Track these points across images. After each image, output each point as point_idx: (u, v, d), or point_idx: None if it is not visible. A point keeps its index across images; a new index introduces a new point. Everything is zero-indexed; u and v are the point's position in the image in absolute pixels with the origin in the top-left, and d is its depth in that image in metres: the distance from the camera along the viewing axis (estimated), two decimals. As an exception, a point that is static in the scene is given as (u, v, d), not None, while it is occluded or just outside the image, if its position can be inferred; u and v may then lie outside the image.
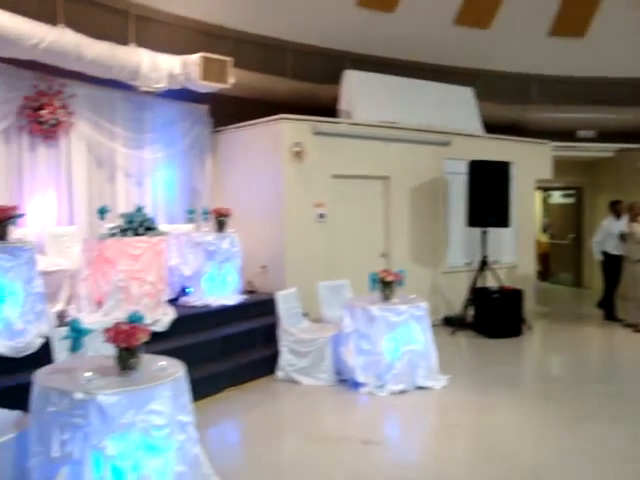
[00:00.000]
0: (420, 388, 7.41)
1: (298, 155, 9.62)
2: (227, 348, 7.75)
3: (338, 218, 10.12)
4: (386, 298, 7.65)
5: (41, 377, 4.26)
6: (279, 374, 7.84)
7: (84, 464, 3.92)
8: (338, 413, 6.91)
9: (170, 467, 4.23)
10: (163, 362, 4.42)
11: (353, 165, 10.28)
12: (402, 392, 7.28)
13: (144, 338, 4.17)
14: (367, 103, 10.93)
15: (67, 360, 4.81)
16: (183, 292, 8.63)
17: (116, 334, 4.08)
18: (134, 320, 4.27)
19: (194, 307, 8.25)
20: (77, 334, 4.16)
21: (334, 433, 6.16)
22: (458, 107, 12.11)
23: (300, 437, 6.10)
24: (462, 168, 11.00)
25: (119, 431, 3.94)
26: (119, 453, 3.96)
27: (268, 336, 8.18)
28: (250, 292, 9.37)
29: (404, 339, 7.40)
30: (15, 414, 4.70)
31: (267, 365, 7.92)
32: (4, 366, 5.70)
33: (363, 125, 10.51)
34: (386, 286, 7.63)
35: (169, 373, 4.30)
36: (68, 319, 6.94)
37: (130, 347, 4.14)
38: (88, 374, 4.08)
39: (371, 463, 5.45)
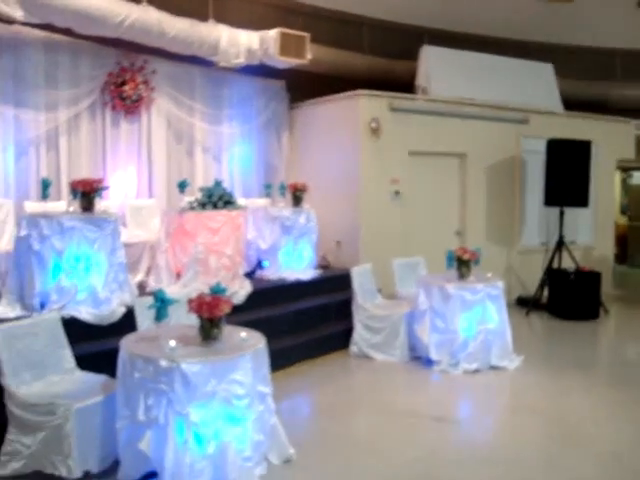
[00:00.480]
0: (494, 368, 7.34)
1: (374, 131, 9.59)
2: (301, 322, 7.84)
3: (413, 195, 10.07)
4: (462, 276, 7.58)
5: (127, 344, 4.42)
6: (352, 349, 7.89)
7: (168, 429, 4.07)
8: (411, 390, 6.92)
9: (249, 436, 4.35)
10: (244, 333, 4.52)
11: (429, 142, 10.19)
12: (475, 371, 7.23)
13: (227, 309, 4.27)
14: (444, 79, 10.77)
15: (151, 328, 4.97)
16: (259, 266, 8.75)
17: (200, 305, 4.19)
18: (216, 292, 4.37)
19: (270, 281, 8.36)
20: (162, 304, 4.29)
21: (406, 409, 6.17)
22: (537, 84, 11.79)
23: (372, 412, 6.13)
24: (540, 146, 10.77)
25: (202, 399, 4.06)
26: (201, 420, 4.08)
27: (342, 311, 8.24)
28: (324, 267, 9.42)
29: (479, 318, 7.33)
30: (102, 378, 4.91)
31: (340, 340, 7.98)
32: (89, 333, 5.92)
33: (440, 101, 10.39)
34: (462, 264, 7.55)
35: (250, 344, 4.39)
36: (149, 289, 7.17)
37: (213, 318, 4.25)
38: (172, 343, 4.20)
39: (442, 440, 5.45)
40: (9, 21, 7.41)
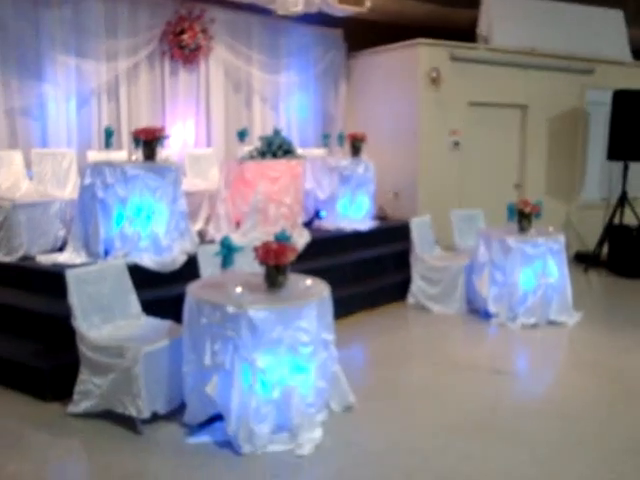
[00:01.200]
0: (552, 323, 7.26)
1: (434, 81, 9.42)
2: (359, 272, 7.85)
3: (472, 147, 9.91)
4: (523, 230, 7.47)
5: (194, 290, 4.49)
6: (410, 300, 7.89)
7: (234, 374, 4.14)
8: (468, 342, 6.91)
9: (312, 382, 4.40)
10: (309, 281, 4.54)
11: (490, 93, 9.98)
12: (534, 326, 7.17)
13: (292, 257, 4.28)
14: (507, 27, 10.44)
15: (216, 275, 5.03)
16: (317, 216, 8.76)
17: (266, 252, 4.21)
18: (281, 239, 4.39)
19: (328, 231, 8.38)
20: (228, 251, 4.32)
21: (464, 361, 6.16)
22: (604, 32, 11.35)
23: (431, 362, 6.14)
24: (605, 98, 10.41)
25: (267, 345, 4.12)
26: (267, 366, 4.14)
27: (399, 262, 8.23)
28: (381, 218, 9.38)
29: (539, 272, 7.23)
30: (167, 323, 5.01)
31: (398, 291, 7.98)
32: (151, 280, 6.03)
33: (502, 51, 10.11)
34: (524, 217, 7.43)
35: (316, 292, 4.42)
36: (208, 238, 7.25)
37: (279, 265, 4.27)
38: (238, 289, 4.25)
39: (501, 392, 5.43)
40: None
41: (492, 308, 7.33)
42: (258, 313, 4.07)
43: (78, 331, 4.64)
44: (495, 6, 10.54)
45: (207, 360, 4.19)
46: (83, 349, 4.63)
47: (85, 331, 4.63)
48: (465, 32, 10.63)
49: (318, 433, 4.39)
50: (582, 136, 11.00)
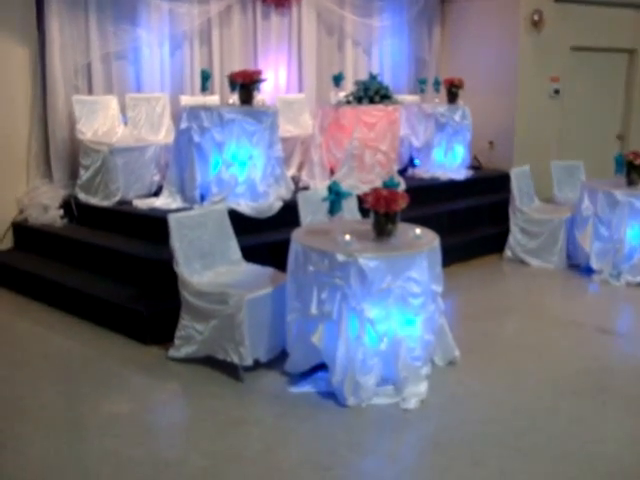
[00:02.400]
0: (659, 281, 6.89)
1: (536, 25, 8.93)
2: (455, 223, 7.60)
3: (574, 94, 9.43)
4: (631, 183, 7.06)
5: (300, 237, 4.36)
6: (507, 253, 7.61)
7: (341, 324, 4.02)
8: (569, 298, 6.64)
9: (419, 335, 4.24)
10: (417, 231, 4.36)
11: (595, 36, 9.39)
12: (639, 284, 6.80)
13: (404, 204, 4.10)
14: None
15: (321, 222, 4.90)
16: (411, 163, 8.52)
17: (376, 199, 4.03)
18: (390, 186, 4.20)
19: (422, 179, 8.14)
20: (337, 197, 4.16)
21: (567, 317, 5.89)
22: None
23: (532, 317, 5.90)
24: None
25: (377, 295, 3.97)
26: (375, 317, 4.00)
27: (495, 214, 7.95)
28: (475, 168, 9.05)
29: (648, 227, 6.85)
30: (268, 270, 4.92)
31: (494, 243, 7.71)
32: (247, 226, 5.94)
33: (609, -10, 9.48)
34: (633, 170, 7.01)
35: (426, 242, 4.23)
36: (301, 184, 7.13)
37: (389, 213, 4.09)
38: (347, 237, 4.10)
39: (608, 352, 5.19)
40: None
41: (595, 264, 6.99)
42: (368, 262, 3.92)
43: (180, 276, 4.60)
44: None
45: (313, 309, 4.08)
46: (185, 295, 4.59)
47: (188, 277, 4.58)
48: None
49: (423, 387, 4.25)
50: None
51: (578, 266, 7.25)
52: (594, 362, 4.92)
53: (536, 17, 8.88)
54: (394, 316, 4.07)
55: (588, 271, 7.05)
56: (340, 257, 3.93)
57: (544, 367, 4.81)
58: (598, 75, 9.65)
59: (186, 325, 4.63)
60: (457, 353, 4.74)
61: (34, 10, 6.91)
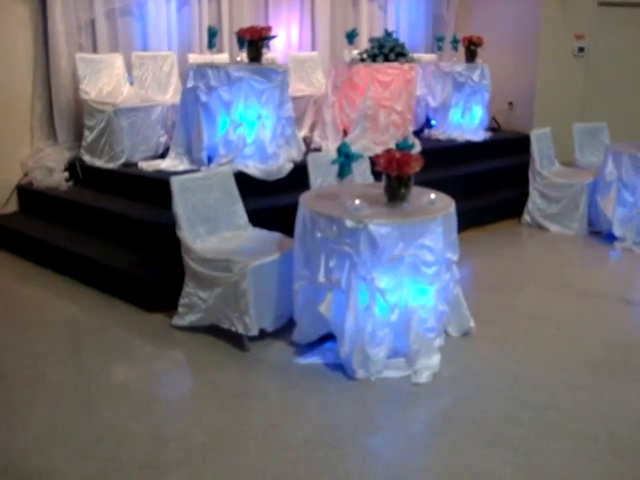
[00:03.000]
0: (686, 249, 6.63)
1: (560, -23, 8.54)
2: (472, 186, 7.34)
3: (600, 53, 9.04)
4: (659, 145, 6.76)
5: (307, 201, 4.13)
6: (525, 218, 7.34)
7: (350, 293, 3.81)
8: (590, 266, 6.38)
9: (433, 305, 4.03)
10: (432, 195, 4.12)
11: (623, -10, 8.96)
12: (664, 253, 6.56)
13: (417, 167, 3.85)
14: None
15: (331, 185, 4.67)
16: (427, 124, 8.24)
17: (388, 161, 3.79)
18: (404, 147, 3.95)
19: (439, 141, 7.88)
20: (346, 159, 3.92)
21: (588, 287, 5.64)
22: None
23: (551, 286, 5.66)
24: None
25: (388, 264, 3.75)
26: (386, 286, 3.79)
27: (514, 177, 7.69)
28: (493, 129, 8.76)
29: (677, 193, 6.56)
30: (275, 236, 4.72)
31: (512, 208, 7.45)
32: (256, 188, 5.74)
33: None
34: (661, 130, 6.70)
35: (441, 207, 4.00)
36: (313, 145, 6.89)
37: (402, 176, 3.85)
38: (357, 202, 3.87)
39: (628, 324, 4.94)
40: None
41: (617, 231, 6.73)
42: (379, 228, 3.69)
43: (183, 242, 4.40)
44: None
45: (321, 277, 3.87)
46: (188, 261, 4.40)
47: (191, 243, 4.39)
48: None
49: (436, 360, 4.05)
50: None
51: (600, 233, 7.00)
52: (616, 336, 4.69)
53: (560, -31, 8.50)
54: (406, 285, 3.85)
55: (610, 238, 6.79)
56: (349, 223, 3.70)
57: (564, 340, 4.59)
58: (628, 33, 9.19)
59: (190, 292, 4.46)
60: (472, 324, 4.53)
61: (34, -37, 6.66)
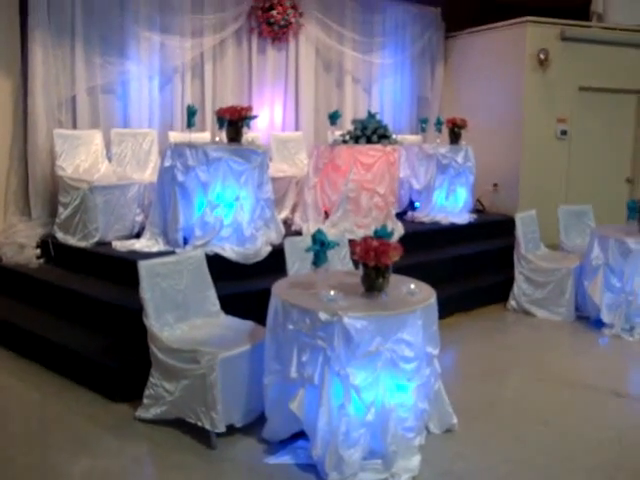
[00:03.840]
0: (675, 336, 6.44)
1: (542, 63, 8.61)
2: (457, 270, 7.19)
3: (581, 136, 9.07)
4: (644, 230, 6.65)
5: (280, 291, 3.92)
6: (511, 303, 7.16)
7: (323, 390, 3.57)
8: (579, 354, 6.14)
9: (412, 403, 3.78)
10: (412, 285, 3.92)
11: (603, 76, 9.05)
12: (654, 339, 6.37)
13: (396, 257, 3.67)
14: (625, 3, 9.47)
15: (304, 274, 4.48)
16: (411, 206, 8.13)
17: (365, 251, 3.60)
18: (382, 235, 3.78)
19: (423, 223, 7.76)
20: (322, 247, 3.74)
21: (575, 377, 5.40)
22: None
23: (538, 377, 5.41)
24: None
25: (364, 359, 3.51)
26: (362, 383, 3.54)
27: (499, 261, 7.55)
28: (478, 211, 8.67)
29: (663, 279, 6.41)
30: (247, 325, 4.49)
31: (498, 292, 7.27)
32: (232, 272, 5.55)
33: (618, 29, 9.16)
34: (646, 216, 6.61)
35: (420, 299, 3.79)
36: (294, 227, 6.75)
37: (380, 266, 3.66)
38: (331, 292, 3.67)
39: (621, 419, 4.67)
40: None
41: (605, 317, 6.55)
42: (354, 322, 3.47)
43: (150, 330, 4.17)
44: (611, -20, 9.60)
45: (293, 372, 3.63)
46: (154, 350, 4.15)
47: (157, 331, 4.15)
48: (573, 10, 9.71)
49: (416, 461, 3.77)
50: None
51: (587, 318, 6.81)
52: (609, 432, 4.43)
53: (542, 56, 8.58)
54: (383, 382, 3.61)
55: (598, 324, 6.60)
56: (323, 316, 3.49)
57: (553, 438, 4.32)
58: (607, 116, 9.28)
59: (155, 383, 4.19)
60: (455, 420, 4.27)
61: (18, 40, 6.65)
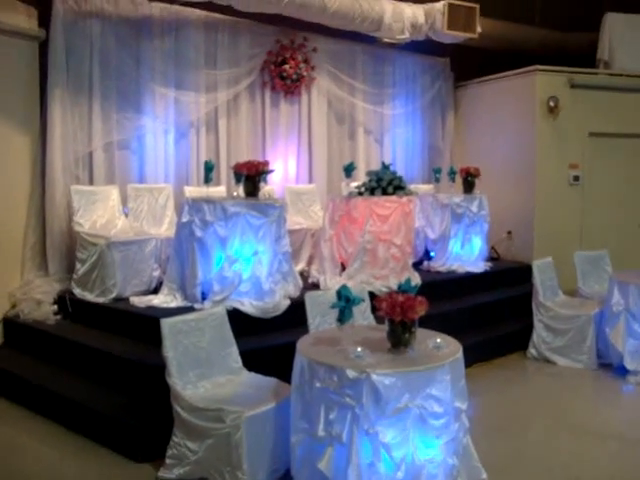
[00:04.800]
0: (701, 383, 6.34)
1: (552, 110, 8.69)
2: (475, 319, 7.13)
3: (594, 181, 9.11)
4: (664, 275, 6.61)
5: (305, 348, 3.88)
6: (531, 351, 7.09)
7: (352, 448, 3.50)
8: (602, 404, 6.03)
9: (442, 459, 3.71)
10: (438, 339, 3.88)
11: (613, 122, 9.13)
12: (679, 385, 6.27)
13: (422, 311, 3.64)
14: (631, 50, 9.56)
15: (329, 329, 4.44)
16: (426, 256, 8.12)
17: (391, 306, 3.58)
18: (406, 289, 3.76)
19: (439, 273, 7.73)
20: (347, 303, 3.72)
21: (602, 428, 5.31)
22: None
23: (563, 429, 5.30)
24: None
25: (393, 416, 3.46)
26: (391, 440, 3.48)
27: (518, 308, 7.50)
28: (493, 259, 8.64)
29: (685, 324, 6.35)
30: (271, 382, 4.44)
31: (517, 341, 7.21)
32: (252, 327, 5.52)
33: (625, 76, 9.26)
34: (666, 261, 6.58)
35: (447, 353, 3.75)
36: (311, 280, 6.75)
37: (406, 321, 3.64)
38: (358, 349, 3.63)
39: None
40: (170, 1, 7.19)
41: (629, 364, 6.46)
42: (383, 378, 3.43)
43: (173, 389, 4.13)
44: (616, 28, 9.71)
45: (321, 431, 3.57)
46: (177, 409, 4.11)
47: (181, 389, 4.11)
48: (581, 57, 9.84)
49: (448, 518, 3.69)
50: None
51: (610, 365, 6.72)
52: (639, 484, 4.34)
53: (552, 103, 8.67)
54: (413, 439, 3.55)
55: (622, 371, 6.51)
56: (351, 373, 3.45)
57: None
58: (618, 161, 9.34)
59: (178, 443, 4.14)
60: (484, 475, 4.17)
61: (37, 97, 6.79)
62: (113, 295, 6.13)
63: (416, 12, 8.54)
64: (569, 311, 6.98)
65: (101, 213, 6.81)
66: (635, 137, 9.36)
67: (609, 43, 9.69)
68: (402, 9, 8.43)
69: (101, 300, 6.16)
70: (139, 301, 5.93)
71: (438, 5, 8.47)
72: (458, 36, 8.67)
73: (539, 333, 7.05)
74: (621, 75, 9.26)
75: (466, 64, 9.80)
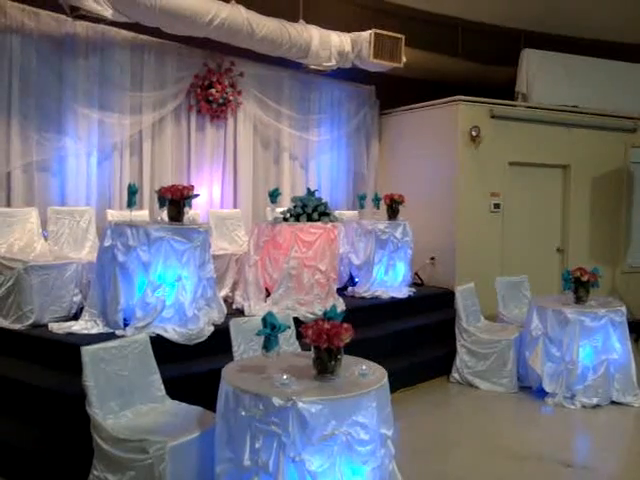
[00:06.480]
0: (615, 403, 6.58)
1: (474, 140, 8.93)
2: (398, 345, 7.20)
3: (513, 209, 9.38)
4: (579, 300, 6.86)
5: (230, 376, 3.84)
6: (454, 376, 7.22)
7: (279, 477, 3.46)
8: (523, 425, 6.19)
9: (368, 486, 3.71)
10: (364, 366, 3.89)
11: (531, 152, 9.48)
12: (595, 407, 6.48)
13: (348, 338, 3.65)
14: (546, 85, 10.01)
15: (254, 357, 4.40)
16: (351, 282, 8.16)
17: (318, 333, 3.57)
18: (332, 317, 3.76)
19: (363, 298, 7.76)
20: (273, 330, 3.69)
21: (523, 449, 5.44)
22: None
23: (485, 451, 5.42)
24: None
25: (320, 443, 3.45)
26: (318, 468, 3.46)
27: (441, 334, 7.61)
28: (416, 285, 8.76)
29: (600, 347, 6.58)
30: (196, 410, 4.36)
31: (441, 365, 7.33)
32: (175, 354, 5.41)
33: (542, 109, 9.65)
34: (581, 286, 6.82)
35: (374, 380, 3.76)
36: (235, 306, 6.68)
37: (332, 348, 3.63)
38: (284, 377, 3.60)
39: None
40: (96, 20, 7.05)
41: (547, 386, 6.66)
42: (309, 406, 3.41)
43: (93, 419, 3.99)
44: (534, 63, 10.14)
45: (246, 460, 3.52)
46: (98, 440, 3.97)
47: (101, 420, 3.98)
48: (501, 90, 10.19)
49: None
50: (627, 197, 10.38)
51: (530, 388, 6.91)
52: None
53: (474, 133, 8.90)
54: (339, 467, 3.53)
55: (541, 394, 6.70)
56: (277, 401, 3.42)
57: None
58: (536, 190, 9.69)
59: (98, 476, 3.99)
60: (409, 501, 4.21)
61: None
62: (30, 321, 5.88)
63: (343, 40, 8.67)
64: (490, 336, 7.14)
65: (19, 236, 6.56)
66: (551, 167, 9.73)
67: (527, 77, 10.10)
68: (329, 37, 8.55)
69: (17, 326, 5.89)
70: (58, 327, 5.72)
71: (365, 34, 8.62)
72: (384, 65, 8.84)
73: (462, 357, 7.17)
74: (538, 108, 9.62)
75: (391, 92, 10.00)
